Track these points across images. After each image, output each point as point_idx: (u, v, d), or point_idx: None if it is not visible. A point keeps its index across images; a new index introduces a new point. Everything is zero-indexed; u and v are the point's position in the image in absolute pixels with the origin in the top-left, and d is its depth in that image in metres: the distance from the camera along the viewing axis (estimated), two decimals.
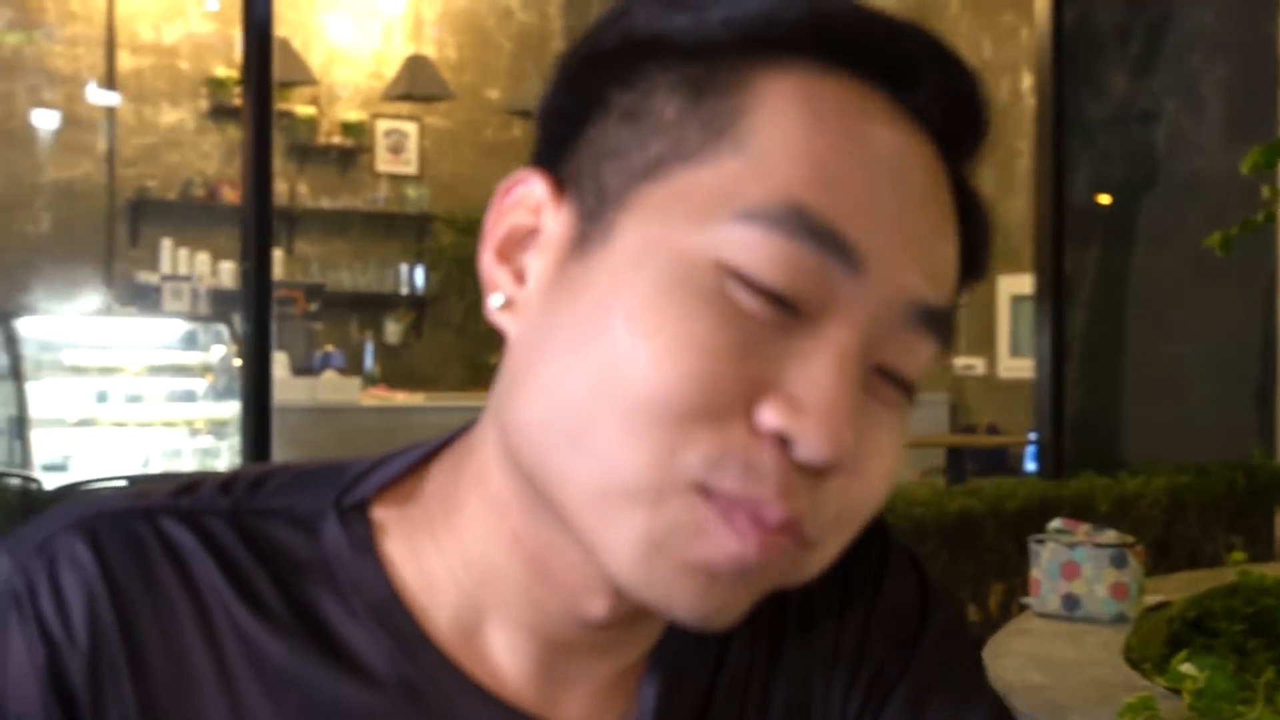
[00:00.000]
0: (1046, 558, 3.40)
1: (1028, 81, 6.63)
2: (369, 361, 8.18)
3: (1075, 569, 3.35)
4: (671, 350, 0.63)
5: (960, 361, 7.28)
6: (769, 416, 0.63)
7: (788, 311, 0.64)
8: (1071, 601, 3.34)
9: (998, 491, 4.35)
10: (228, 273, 7.65)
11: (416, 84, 8.49)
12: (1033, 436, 5.57)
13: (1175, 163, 6.29)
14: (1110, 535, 3.38)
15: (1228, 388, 6.11)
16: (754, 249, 0.63)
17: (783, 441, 0.63)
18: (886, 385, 0.68)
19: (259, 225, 4.29)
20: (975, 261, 0.74)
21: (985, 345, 7.13)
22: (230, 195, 7.91)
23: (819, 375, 0.64)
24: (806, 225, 0.63)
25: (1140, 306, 6.25)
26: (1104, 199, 6.43)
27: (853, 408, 0.64)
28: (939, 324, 0.68)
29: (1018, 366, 6.58)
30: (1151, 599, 3.43)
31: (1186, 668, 2.66)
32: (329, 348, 7.73)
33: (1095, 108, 6.30)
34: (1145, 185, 6.37)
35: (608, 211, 0.67)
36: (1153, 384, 6.20)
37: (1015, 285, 6.55)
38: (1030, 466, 5.52)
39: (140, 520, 0.73)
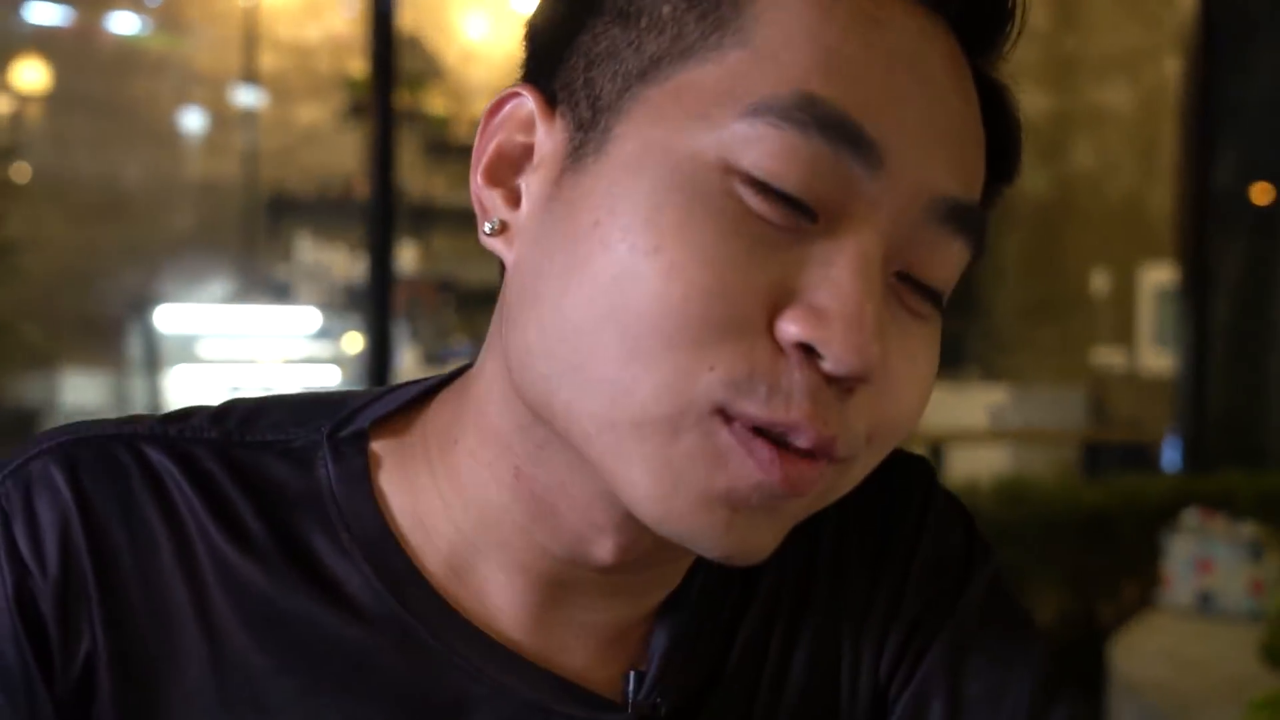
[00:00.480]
0: (1180, 551, 3.28)
1: (1171, 66, 6.42)
2: None
3: (1210, 563, 3.22)
4: (678, 263, 0.57)
5: (1100, 355, 7.09)
6: (791, 328, 0.58)
7: (803, 216, 0.59)
8: (1206, 597, 3.21)
9: (1134, 487, 4.21)
10: (361, 268, 7.75)
11: None
12: (1173, 432, 5.40)
13: None
14: (1248, 528, 3.25)
15: None
16: (763, 146, 0.58)
17: (807, 354, 0.58)
18: (914, 295, 0.63)
19: (382, 220, 4.33)
20: (1005, 163, 0.69)
21: (1126, 338, 6.92)
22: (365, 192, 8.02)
23: (842, 281, 0.58)
24: (820, 118, 0.58)
25: None
26: (1254, 192, 6.19)
27: (879, 316, 0.59)
28: (967, 222, 0.63)
29: (1161, 360, 6.37)
30: None
31: None
32: (459, 339, 7.80)
33: (1244, 91, 6.07)
34: None
35: (602, 118, 0.62)
36: None
37: (1158, 277, 6.35)
38: (1171, 462, 5.34)
39: (122, 446, 0.70)
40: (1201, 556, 3.24)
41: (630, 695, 0.71)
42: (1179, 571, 3.28)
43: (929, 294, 0.64)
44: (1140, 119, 6.96)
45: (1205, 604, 3.20)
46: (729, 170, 0.59)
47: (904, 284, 0.63)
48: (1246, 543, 3.20)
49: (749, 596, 0.75)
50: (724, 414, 0.58)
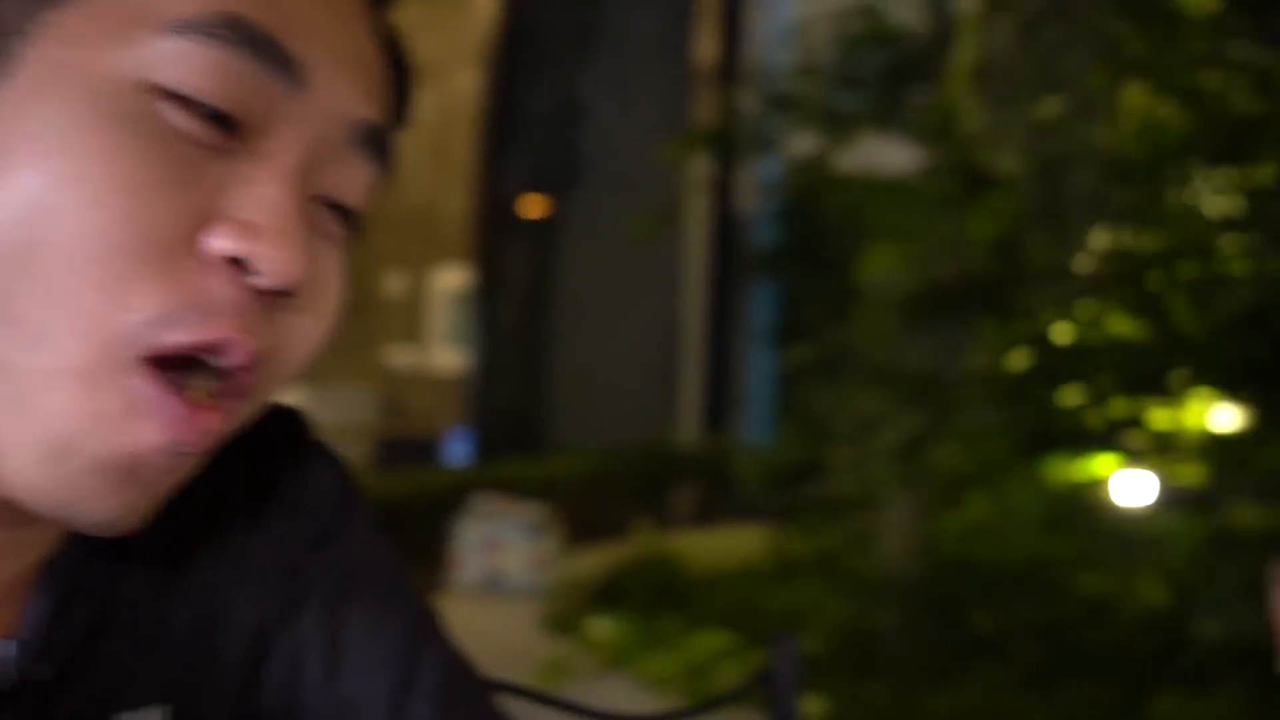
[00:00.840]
0: (470, 534, 3.43)
1: (469, 78, 6.72)
2: None
3: (499, 544, 3.40)
4: (98, 190, 0.55)
5: (392, 354, 7.28)
6: (220, 242, 0.57)
7: (226, 132, 0.59)
8: (494, 574, 3.38)
9: (425, 478, 4.35)
10: None
11: None
12: (464, 426, 5.64)
13: (604, 159, 6.55)
14: (531, 510, 3.46)
15: (644, 374, 6.43)
16: (187, 63, 0.58)
17: (234, 270, 0.58)
18: (328, 217, 0.65)
19: None
20: (401, 108, 0.73)
21: (418, 337, 7.15)
22: None
23: (268, 196, 0.59)
24: (244, 35, 0.59)
25: (568, 299, 6.46)
26: (537, 201, 6.60)
27: (304, 231, 0.60)
28: (380, 145, 0.66)
29: (451, 359, 6.63)
30: (570, 569, 3.54)
31: (597, 626, 2.77)
32: None
33: (536, 104, 6.46)
34: (577, 181, 6.60)
35: (3, 43, 0.58)
36: (579, 372, 6.42)
37: (450, 279, 6.61)
38: (460, 455, 5.58)
39: None
40: (491, 538, 3.41)
41: (11, 664, 0.66)
42: (469, 553, 3.43)
43: (345, 216, 0.65)
44: (438, 127, 7.23)
45: (494, 582, 3.37)
46: (150, 88, 0.58)
47: (321, 208, 0.64)
48: (530, 523, 3.40)
49: (125, 558, 0.73)
50: (149, 365, 0.57)
